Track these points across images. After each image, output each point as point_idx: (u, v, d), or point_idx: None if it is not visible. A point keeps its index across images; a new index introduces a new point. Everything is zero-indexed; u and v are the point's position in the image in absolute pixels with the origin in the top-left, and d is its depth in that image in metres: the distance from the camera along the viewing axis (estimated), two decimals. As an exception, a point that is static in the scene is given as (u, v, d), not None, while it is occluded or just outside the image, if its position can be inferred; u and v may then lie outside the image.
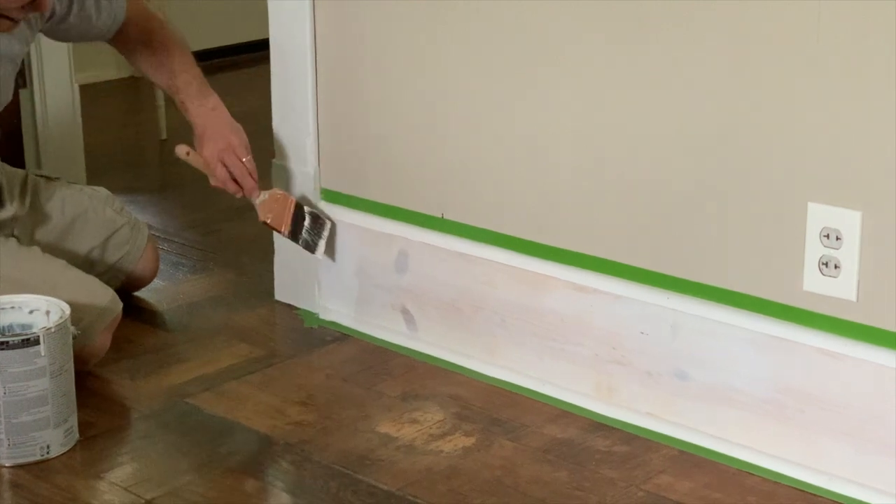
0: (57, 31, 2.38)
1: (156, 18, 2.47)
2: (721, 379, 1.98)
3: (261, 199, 2.39)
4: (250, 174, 2.38)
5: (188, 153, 2.39)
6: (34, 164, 3.06)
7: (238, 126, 2.41)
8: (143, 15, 2.46)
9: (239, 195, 2.40)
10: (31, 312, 2.06)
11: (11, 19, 2.12)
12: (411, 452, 2.02)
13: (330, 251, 2.45)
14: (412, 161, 2.33)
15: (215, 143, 2.36)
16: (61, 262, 2.30)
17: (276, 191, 2.42)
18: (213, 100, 2.42)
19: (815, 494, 1.89)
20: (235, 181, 2.38)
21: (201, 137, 2.39)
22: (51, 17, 2.31)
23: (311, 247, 2.40)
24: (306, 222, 2.40)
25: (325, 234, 2.40)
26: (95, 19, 2.37)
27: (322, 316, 2.49)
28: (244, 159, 2.37)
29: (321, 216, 2.42)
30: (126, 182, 3.29)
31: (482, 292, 2.25)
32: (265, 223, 2.39)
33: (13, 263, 2.23)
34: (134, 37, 2.45)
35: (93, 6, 2.35)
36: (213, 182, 2.40)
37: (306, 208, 2.42)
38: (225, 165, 2.37)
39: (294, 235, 2.39)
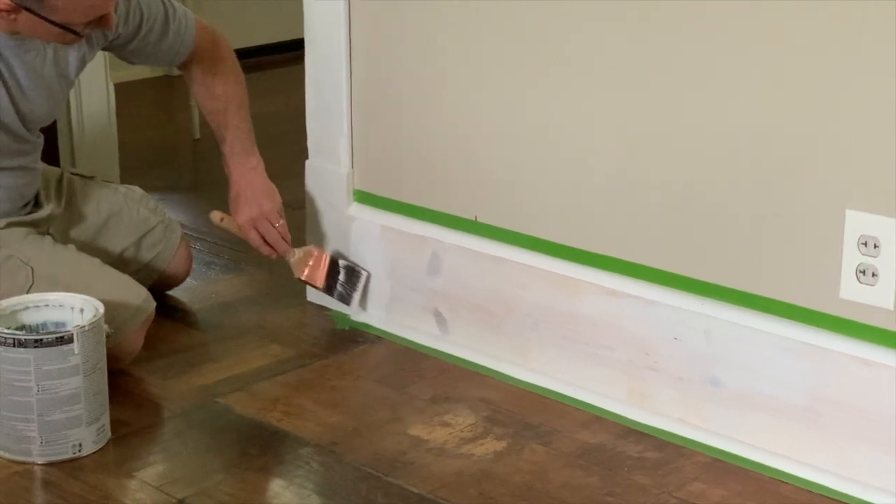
0: (123, 52, 2.39)
1: (224, 58, 2.47)
2: (755, 386, 1.97)
3: (295, 257, 2.45)
4: (283, 237, 2.44)
5: (222, 219, 2.48)
6: (69, 162, 3.08)
7: (272, 188, 2.47)
8: (211, 50, 2.46)
9: (273, 257, 2.46)
10: (61, 307, 2.07)
11: (76, 33, 2.13)
12: (442, 455, 2.02)
13: (363, 254, 2.45)
14: (445, 163, 2.33)
15: (249, 210, 2.43)
16: (96, 261, 2.30)
17: (311, 248, 2.47)
18: (255, 159, 2.47)
19: (848, 503, 1.88)
20: (269, 244, 2.45)
21: (236, 200, 2.45)
22: (115, 38, 2.32)
23: (345, 299, 2.46)
24: (341, 276, 2.45)
25: (360, 285, 2.45)
26: (163, 44, 2.38)
27: (354, 317, 2.49)
28: (277, 224, 2.44)
29: (356, 268, 2.45)
30: (159, 181, 3.30)
31: (514, 295, 2.24)
32: (300, 279, 2.45)
33: (48, 261, 2.24)
34: (197, 75, 2.47)
35: (160, 31, 2.36)
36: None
37: (341, 262, 2.46)
38: (259, 232, 2.43)
39: (329, 290, 2.45)
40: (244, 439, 2.08)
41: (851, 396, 1.87)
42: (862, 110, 1.81)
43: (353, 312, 2.47)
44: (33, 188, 2.37)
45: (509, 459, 2.01)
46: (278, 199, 2.46)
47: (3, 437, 1.99)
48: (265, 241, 2.44)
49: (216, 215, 2.48)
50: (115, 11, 2.19)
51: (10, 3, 2.06)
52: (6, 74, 2.19)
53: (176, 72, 4.26)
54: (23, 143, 2.29)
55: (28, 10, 2.07)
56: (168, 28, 2.37)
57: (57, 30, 2.11)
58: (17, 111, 2.23)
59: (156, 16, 2.34)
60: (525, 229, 2.22)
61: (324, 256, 2.46)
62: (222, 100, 2.46)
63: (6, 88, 2.20)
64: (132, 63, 2.47)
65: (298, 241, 2.51)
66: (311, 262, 2.44)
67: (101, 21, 2.14)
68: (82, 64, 2.32)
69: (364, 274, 2.45)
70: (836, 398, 1.89)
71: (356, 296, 2.45)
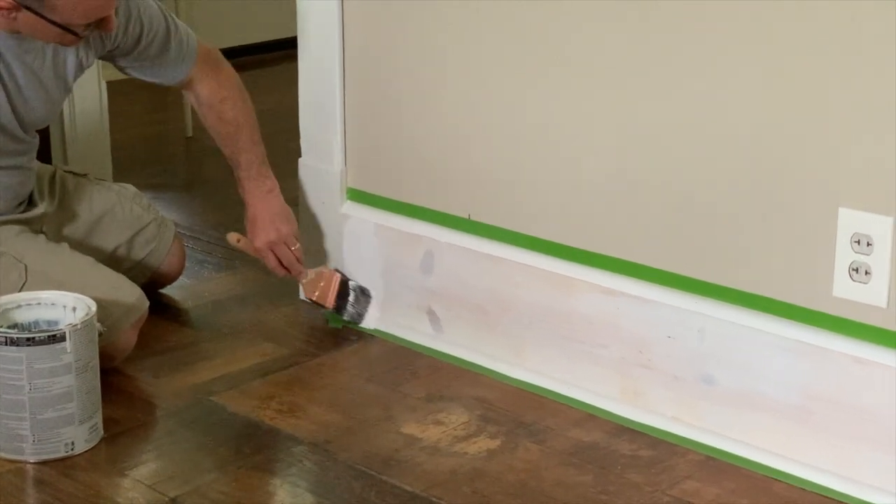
0: (124, 63, 2.37)
1: (229, 81, 2.46)
2: (748, 384, 1.97)
3: (307, 279, 2.47)
4: (298, 260, 2.46)
5: (238, 240, 2.49)
6: (61, 160, 3.07)
7: (288, 211, 2.47)
8: (215, 71, 2.44)
9: (287, 278, 2.48)
10: (54, 306, 2.06)
11: (76, 34, 2.13)
12: (435, 454, 2.01)
13: (356, 252, 2.45)
14: (439, 161, 2.32)
15: (266, 234, 2.44)
16: (89, 259, 2.30)
17: (323, 269, 2.48)
18: (269, 182, 2.47)
19: (842, 501, 1.88)
20: (284, 266, 2.46)
21: (253, 223, 2.46)
22: (114, 48, 2.31)
23: (356, 318, 2.46)
24: (351, 297, 2.46)
25: (370, 305, 2.46)
26: (164, 59, 2.36)
27: (347, 316, 2.49)
28: (293, 248, 2.45)
29: (367, 290, 2.46)
30: (152, 179, 3.29)
31: (508, 294, 2.24)
32: (310, 300, 2.47)
33: (42, 259, 2.24)
34: (206, 99, 2.45)
35: (160, 45, 2.34)
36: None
37: (351, 283, 2.46)
38: (275, 254, 2.44)
39: (339, 310, 2.46)
40: (237, 437, 2.08)
41: (845, 394, 1.87)
42: (855, 109, 1.81)
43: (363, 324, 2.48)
44: (28, 187, 2.37)
45: (503, 458, 2.01)
46: (294, 222, 2.47)
47: (-4, 435, 1.99)
48: (281, 263, 2.45)
49: (233, 237, 2.49)
50: (116, 16, 2.18)
51: (10, 0, 2.06)
52: (5, 76, 2.19)
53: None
54: (19, 143, 2.29)
55: (28, 8, 2.07)
56: (169, 43, 2.35)
57: (57, 30, 2.10)
58: (15, 112, 2.23)
59: (157, 30, 2.33)
60: (519, 228, 2.22)
61: (335, 277, 2.46)
62: (233, 124, 2.45)
63: (4, 90, 2.19)
64: (135, 77, 2.44)
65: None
66: (322, 283, 2.46)
67: (102, 23, 2.14)
68: (80, 69, 2.31)
69: (372, 294, 2.46)
70: (830, 396, 1.89)
71: (367, 314, 2.46)
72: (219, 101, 2.44)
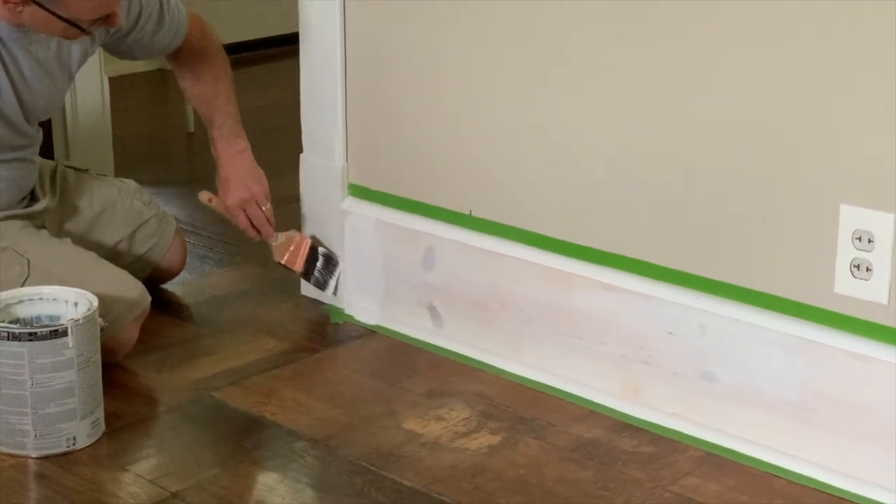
0: (120, 46, 2.39)
1: (212, 44, 2.50)
2: (749, 381, 1.97)
3: (277, 241, 2.49)
4: (268, 220, 2.49)
5: (210, 199, 2.51)
6: (63, 155, 3.07)
7: (260, 172, 2.50)
8: (200, 38, 2.48)
9: (257, 239, 2.51)
10: (55, 301, 2.07)
11: (82, 30, 2.14)
12: (436, 449, 2.02)
13: (358, 248, 2.46)
14: (440, 158, 2.32)
15: (238, 193, 2.47)
16: (92, 255, 2.31)
17: (294, 233, 2.51)
18: (242, 143, 2.49)
19: (842, 498, 1.88)
20: (254, 227, 2.49)
21: (225, 182, 2.48)
22: (115, 31, 2.32)
23: (321, 285, 2.49)
24: (319, 263, 2.49)
25: (337, 273, 2.49)
26: (158, 35, 2.39)
27: (348, 311, 2.49)
28: (264, 208, 2.48)
29: (334, 257, 2.49)
30: (154, 175, 3.29)
31: (509, 290, 2.24)
32: (279, 263, 2.49)
33: (44, 254, 2.24)
34: (186, 61, 2.49)
35: (155, 23, 2.37)
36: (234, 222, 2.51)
37: (320, 249, 2.49)
38: (246, 214, 2.47)
39: (306, 275, 2.49)
40: (238, 433, 2.08)
41: (845, 391, 1.87)
42: (856, 105, 1.81)
43: (328, 298, 2.50)
44: (31, 182, 2.37)
45: (503, 454, 2.01)
46: (265, 182, 2.49)
47: (-3, 430, 1.99)
48: (251, 223, 2.47)
49: (204, 195, 2.51)
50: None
51: None
52: (10, 66, 2.19)
53: (170, 66, 4.27)
54: (23, 136, 2.29)
55: (36, 3, 2.08)
56: (163, 20, 2.38)
57: (62, 24, 2.11)
58: (20, 102, 2.23)
59: (152, 9, 2.35)
60: (520, 224, 2.22)
61: (305, 242, 2.49)
62: (211, 85, 2.48)
63: (10, 80, 2.20)
64: (128, 58, 2.47)
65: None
66: (291, 248, 2.48)
67: (108, 19, 2.15)
68: (84, 57, 2.33)
69: (341, 262, 2.48)
70: (830, 393, 1.89)
71: (332, 282, 2.48)
72: (200, 62, 2.48)
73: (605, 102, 2.08)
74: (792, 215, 1.90)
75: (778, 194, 1.91)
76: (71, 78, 2.34)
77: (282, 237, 2.49)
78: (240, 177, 2.47)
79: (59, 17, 2.09)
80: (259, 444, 2.05)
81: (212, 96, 2.48)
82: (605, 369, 2.14)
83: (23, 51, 2.19)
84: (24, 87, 2.22)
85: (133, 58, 2.48)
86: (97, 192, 2.52)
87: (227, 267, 2.76)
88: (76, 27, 2.13)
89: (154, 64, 4.33)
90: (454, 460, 1.99)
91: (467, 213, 2.30)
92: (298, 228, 2.53)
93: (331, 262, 2.48)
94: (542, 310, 2.20)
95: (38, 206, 2.37)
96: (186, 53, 2.47)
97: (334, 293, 2.49)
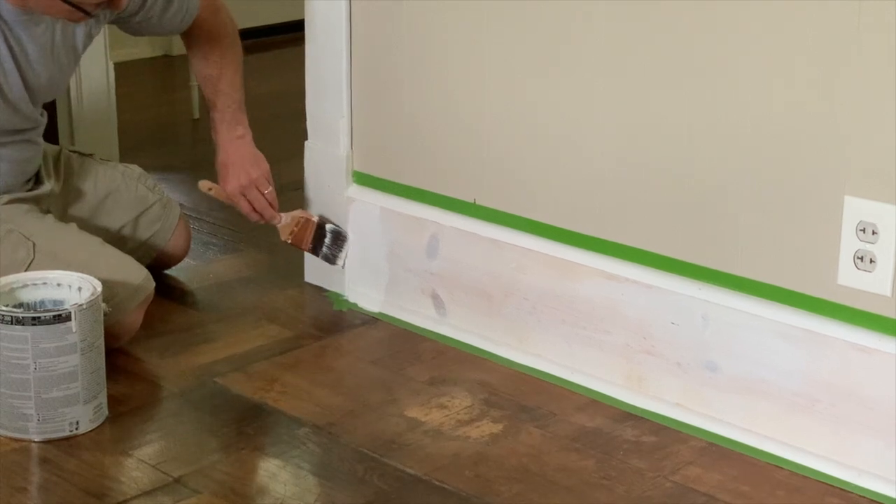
0: (129, 24, 2.39)
1: (224, 28, 2.49)
2: (752, 371, 1.97)
3: (282, 223, 2.49)
4: (271, 204, 2.48)
5: (210, 188, 2.51)
6: (68, 140, 3.08)
7: (259, 156, 2.49)
8: (212, 20, 2.46)
9: (262, 223, 2.50)
10: (59, 286, 2.07)
11: (86, 13, 2.14)
12: (439, 437, 2.02)
13: (362, 236, 2.46)
14: (445, 146, 2.32)
15: (238, 179, 2.46)
16: (97, 240, 2.31)
17: (299, 213, 2.50)
18: (242, 128, 2.49)
19: (844, 489, 1.88)
20: (257, 211, 2.48)
21: (224, 168, 2.47)
22: (121, 11, 2.31)
23: (330, 259, 2.49)
24: (327, 240, 2.48)
25: (347, 247, 2.48)
26: (167, 16, 2.38)
27: (352, 299, 2.49)
28: (266, 191, 2.47)
29: (343, 232, 2.48)
30: (158, 160, 3.29)
31: (513, 278, 2.24)
32: (286, 242, 2.50)
33: (50, 238, 2.24)
34: (195, 42, 2.48)
35: (163, 5, 2.36)
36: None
37: (328, 226, 2.49)
38: (247, 199, 2.46)
39: (315, 251, 2.49)
40: (241, 419, 2.08)
41: (848, 383, 1.87)
42: (861, 97, 1.81)
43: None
44: (35, 164, 2.37)
45: (505, 442, 2.01)
46: (265, 165, 2.49)
47: (1, 414, 1.99)
48: (254, 208, 2.47)
49: (204, 184, 2.51)
50: None
51: None
52: (16, 48, 2.19)
53: (176, 52, 4.27)
54: (28, 119, 2.29)
55: None
56: (171, 2, 2.37)
57: (67, 7, 2.11)
58: (25, 84, 2.24)
59: None
60: (524, 212, 2.22)
61: (311, 222, 2.49)
62: (217, 66, 2.48)
63: (15, 62, 2.20)
64: (136, 35, 2.47)
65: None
66: (297, 226, 2.48)
67: (112, 2, 2.15)
68: (89, 38, 2.33)
69: (350, 238, 2.48)
70: (833, 384, 1.89)
71: (342, 256, 2.48)
72: (208, 43, 2.47)
73: (610, 92, 2.08)
74: (796, 206, 1.90)
75: (782, 185, 1.91)
76: (77, 59, 2.34)
77: (287, 217, 2.49)
78: (239, 162, 2.46)
79: (63, 0, 2.09)
80: (261, 431, 2.05)
81: (216, 79, 2.47)
82: (608, 359, 2.14)
83: (27, 32, 2.19)
84: (29, 69, 2.23)
85: (142, 35, 2.48)
86: (101, 177, 2.52)
87: (230, 253, 2.76)
88: (80, 10, 2.13)
89: (159, 50, 4.33)
90: (456, 448, 1.99)
91: (472, 201, 2.30)
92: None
93: (339, 237, 2.48)
94: (545, 299, 2.20)
95: (42, 190, 2.37)
96: (196, 34, 2.47)
97: (343, 266, 2.48)
